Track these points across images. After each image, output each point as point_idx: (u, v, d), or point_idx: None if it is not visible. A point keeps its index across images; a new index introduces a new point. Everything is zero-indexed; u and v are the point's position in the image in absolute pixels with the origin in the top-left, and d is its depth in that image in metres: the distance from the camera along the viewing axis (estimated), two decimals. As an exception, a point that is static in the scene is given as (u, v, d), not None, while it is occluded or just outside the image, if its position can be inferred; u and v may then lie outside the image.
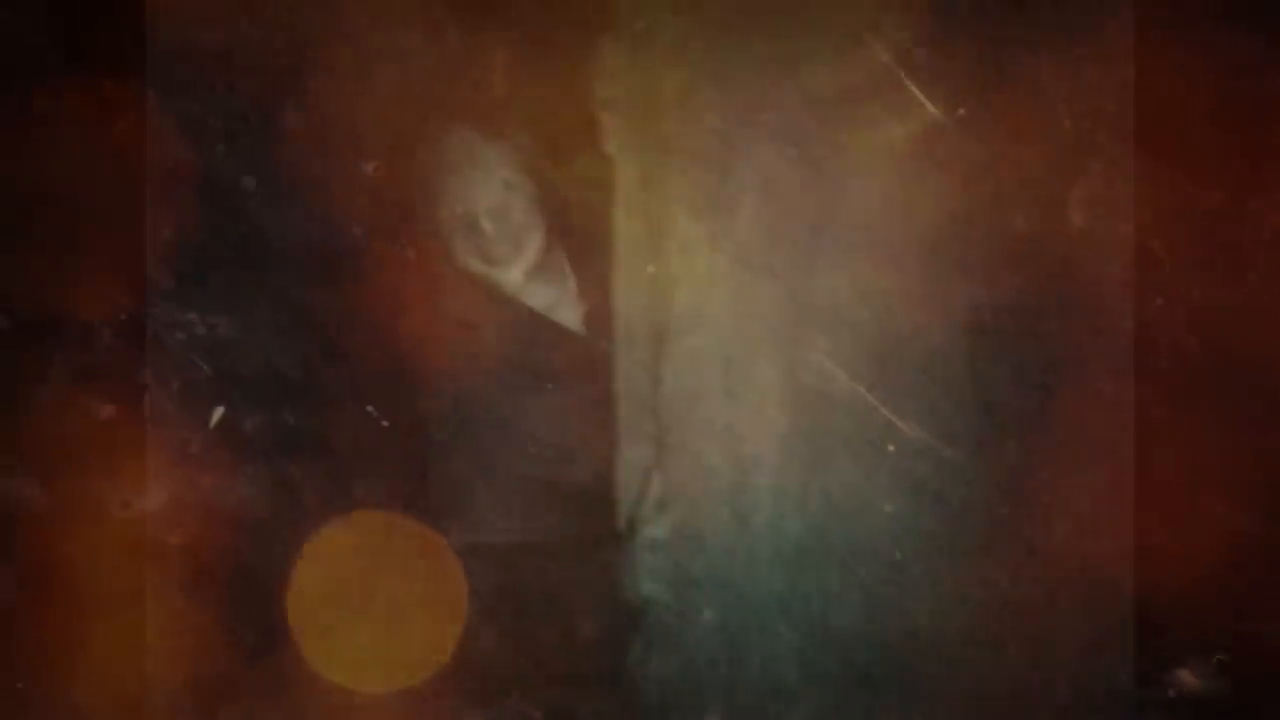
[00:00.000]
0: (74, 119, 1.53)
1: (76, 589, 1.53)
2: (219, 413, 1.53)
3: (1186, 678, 1.55)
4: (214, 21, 1.53)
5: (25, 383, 1.53)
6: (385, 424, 1.51)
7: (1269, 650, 1.56)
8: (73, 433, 1.53)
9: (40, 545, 1.53)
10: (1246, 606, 1.56)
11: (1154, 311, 1.53)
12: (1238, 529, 1.55)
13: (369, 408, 1.52)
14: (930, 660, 1.55)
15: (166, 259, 1.53)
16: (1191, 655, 1.56)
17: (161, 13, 1.52)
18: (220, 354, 1.54)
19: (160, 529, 1.52)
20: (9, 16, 1.54)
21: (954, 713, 1.55)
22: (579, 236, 1.54)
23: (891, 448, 1.54)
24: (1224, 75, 1.54)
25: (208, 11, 1.53)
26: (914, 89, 1.52)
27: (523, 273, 1.54)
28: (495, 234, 1.55)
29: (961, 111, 1.53)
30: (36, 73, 1.53)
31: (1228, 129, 1.54)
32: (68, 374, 1.53)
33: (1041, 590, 1.55)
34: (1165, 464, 1.54)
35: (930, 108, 1.53)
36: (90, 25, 1.53)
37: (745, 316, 1.54)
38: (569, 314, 1.55)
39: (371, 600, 1.55)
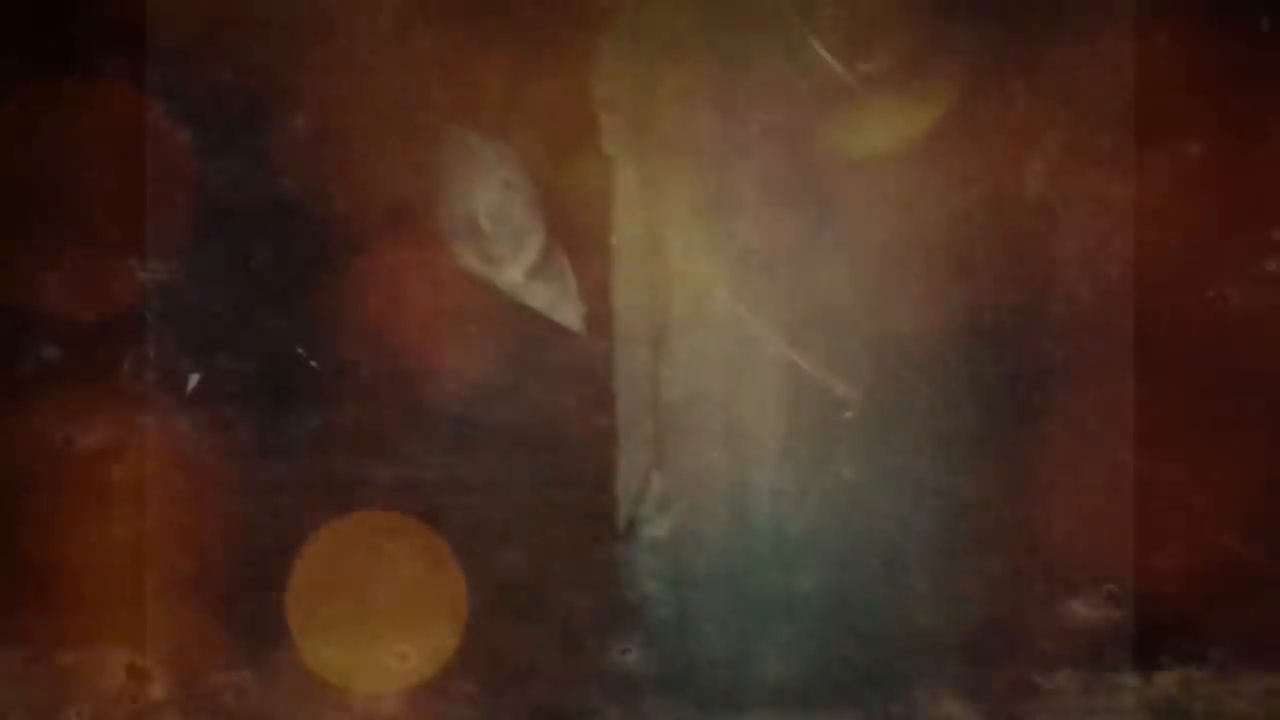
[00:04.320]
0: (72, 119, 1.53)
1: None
2: (194, 380, 1.53)
3: (1188, 674, 1.56)
4: (213, 22, 1.52)
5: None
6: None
7: (1271, 649, 1.56)
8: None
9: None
10: (1248, 607, 1.56)
11: (1154, 311, 1.54)
12: (1238, 528, 1.55)
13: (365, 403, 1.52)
14: (930, 659, 1.55)
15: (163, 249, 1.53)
16: (1193, 654, 1.56)
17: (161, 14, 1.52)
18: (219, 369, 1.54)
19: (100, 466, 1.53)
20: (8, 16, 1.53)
21: (954, 711, 1.56)
22: (579, 236, 1.54)
23: (890, 446, 1.54)
24: (1223, 70, 1.54)
25: (207, 12, 1.53)
26: (914, 93, 1.53)
27: (523, 273, 1.54)
28: (495, 234, 1.54)
29: (959, 112, 1.53)
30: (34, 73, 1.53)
31: (1229, 124, 1.54)
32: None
33: (1042, 590, 1.55)
34: (1165, 464, 1.54)
35: (927, 109, 1.53)
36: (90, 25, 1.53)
37: (745, 316, 1.54)
38: (569, 314, 1.54)
39: (359, 600, 1.55)
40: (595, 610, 1.55)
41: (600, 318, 1.54)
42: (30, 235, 1.53)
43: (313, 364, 1.52)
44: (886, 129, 1.53)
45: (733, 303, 1.54)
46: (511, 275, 1.54)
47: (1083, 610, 1.54)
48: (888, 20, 1.53)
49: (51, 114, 1.53)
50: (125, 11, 1.52)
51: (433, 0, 1.53)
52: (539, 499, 1.54)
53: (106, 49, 1.53)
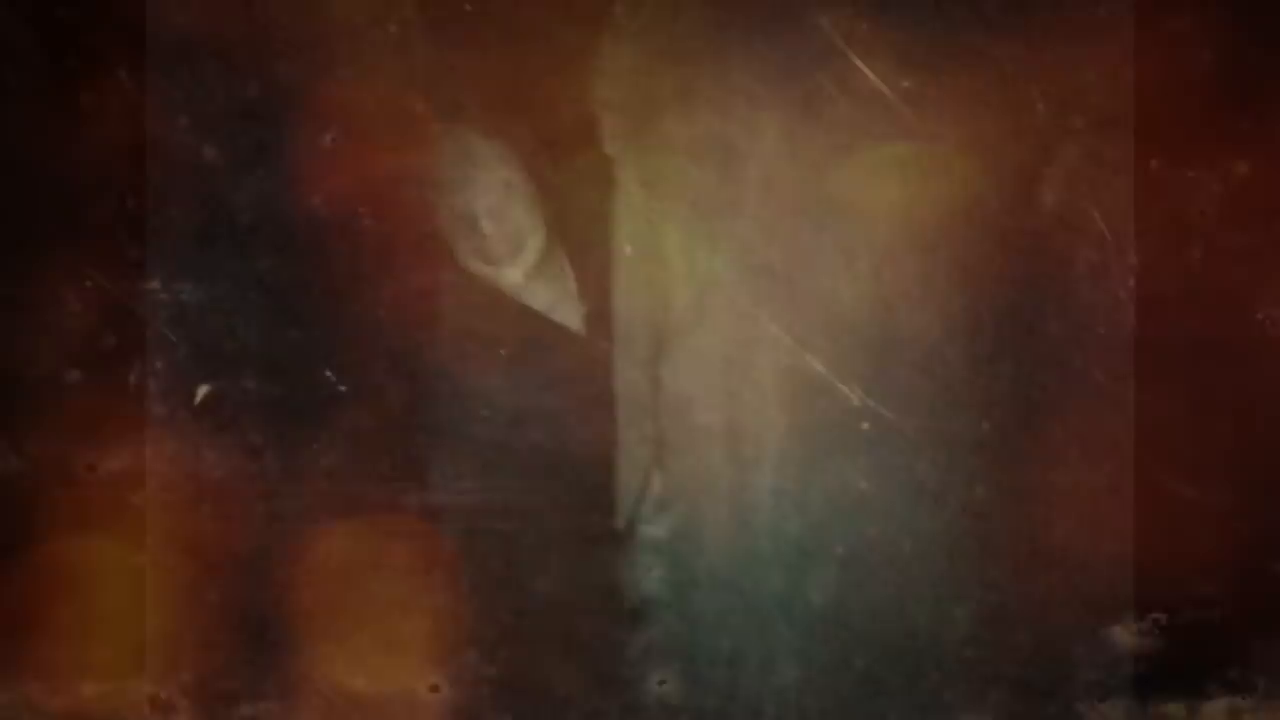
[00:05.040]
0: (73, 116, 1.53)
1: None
2: (203, 391, 1.53)
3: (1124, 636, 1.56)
4: (214, 21, 1.52)
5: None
6: (342, 388, 1.51)
7: (1270, 650, 1.56)
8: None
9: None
10: (1248, 606, 1.56)
11: (1154, 312, 1.53)
12: (1237, 527, 1.55)
13: (334, 379, 1.52)
14: (930, 660, 1.55)
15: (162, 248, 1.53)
16: (1240, 683, 1.56)
17: (161, 12, 1.52)
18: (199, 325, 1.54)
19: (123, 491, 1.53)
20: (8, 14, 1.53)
21: (954, 711, 1.56)
22: (579, 236, 1.54)
23: (890, 447, 1.54)
24: (1223, 73, 1.54)
25: (208, 10, 1.53)
26: (909, 94, 1.53)
27: (523, 273, 1.54)
28: (495, 234, 1.54)
29: (959, 113, 1.53)
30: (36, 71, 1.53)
31: (1229, 127, 1.54)
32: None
33: (1041, 590, 1.55)
34: (1165, 464, 1.54)
35: (924, 111, 1.53)
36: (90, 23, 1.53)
37: (745, 316, 1.54)
38: (569, 314, 1.54)
39: (362, 601, 1.55)
40: (596, 613, 1.55)
41: (600, 318, 1.54)
42: (37, 251, 1.54)
43: (341, 388, 1.52)
44: (893, 126, 1.53)
45: (739, 303, 1.54)
46: (511, 276, 1.54)
47: (1127, 638, 1.54)
48: (896, 16, 1.53)
49: (61, 124, 1.53)
50: (127, 14, 1.52)
51: (435, 1, 1.53)
52: (539, 499, 1.54)
53: (112, 64, 1.53)
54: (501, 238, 1.54)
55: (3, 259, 1.53)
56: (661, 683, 1.55)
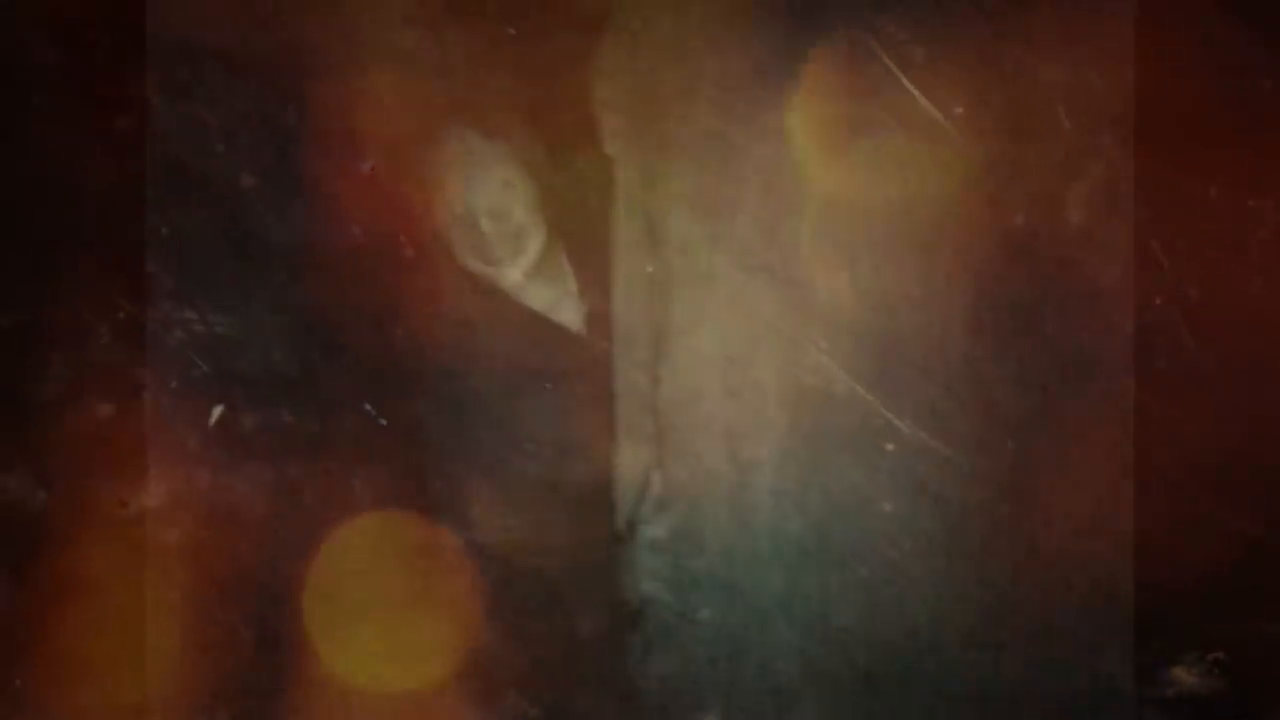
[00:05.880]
0: (74, 118, 1.53)
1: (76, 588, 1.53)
2: (218, 411, 1.53)
3: (1183, 676, 1.56)
4: (214, 21, 1.53)
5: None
6: (383, 422, 1.52)
7: (1266, 649, 1.56)
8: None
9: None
10: (1245, 606, 1.56)
11: (1154, 311, 1.54)
12: (1236, 529, 1.55)
13: (368, 407, 1.52)
14: (930, 660, 1.55)
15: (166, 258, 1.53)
16: (1189, 654, 1.56)
17: (161, 12, 1.52)
18: (220, 353, 1.54)
19: (156, 527, 1.52)
20: (9, 15, 1.54)
21: (954, 712, 1.55)
22: (579, 236, 1.54)
23: (891, 447, 1.54)
24: (1223, 74, 1.54)
25: (208, 11, 1.53)
26: (912, 89, 1.53)
27: (523, 273, 1.55)
28: (495, 234, 1.55)
29: (959, 110, 1.53)
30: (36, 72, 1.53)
31: (1228, 128, 1.54)
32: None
33: (1041, 590, 1.55)
34: (1165, 464, 1.54)
35: (928, 107, 1.53)
36: (90, 24, 1.53)
37: (745, 316, 1.54)
38: (569, 314, 1.55)
39: (376, 601, 1.55)
40: (597, 614, 1.55)
41: (600, 318, 1.54)
42: (64, 278, 1.54)
43: (381, 421, 1.53)
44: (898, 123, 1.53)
45: (739, 303, 1.54)
46: (511, 275, 1.55)
47: (1186, 678, 1.54)
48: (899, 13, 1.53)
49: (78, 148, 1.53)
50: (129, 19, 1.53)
51: (433, 1, 1.54)
52: (538, 499, 1.55)
53: (127, 82, 1.53)
54: (501, 238, 1.55)
55: (28, 286, 1.53)
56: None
